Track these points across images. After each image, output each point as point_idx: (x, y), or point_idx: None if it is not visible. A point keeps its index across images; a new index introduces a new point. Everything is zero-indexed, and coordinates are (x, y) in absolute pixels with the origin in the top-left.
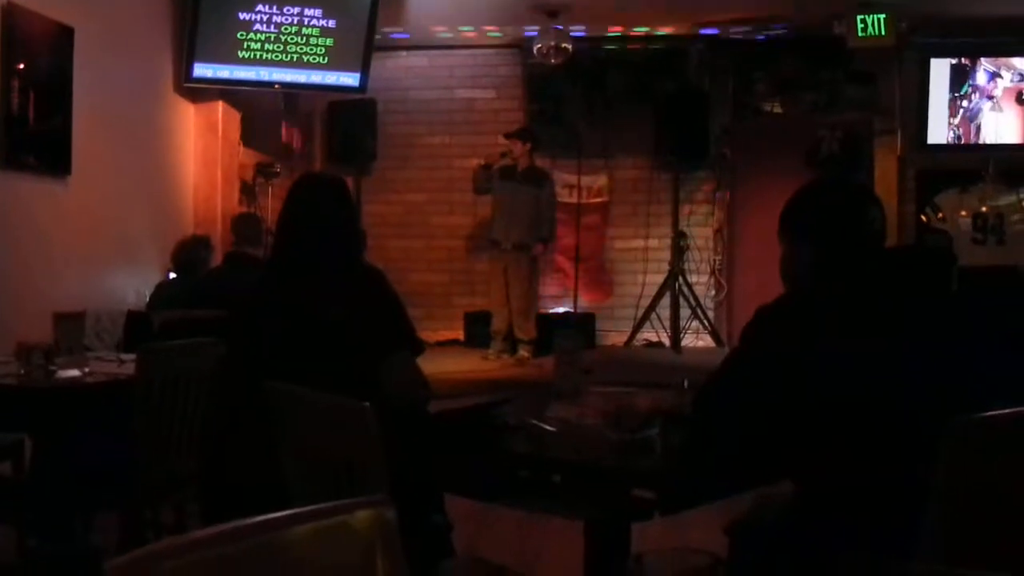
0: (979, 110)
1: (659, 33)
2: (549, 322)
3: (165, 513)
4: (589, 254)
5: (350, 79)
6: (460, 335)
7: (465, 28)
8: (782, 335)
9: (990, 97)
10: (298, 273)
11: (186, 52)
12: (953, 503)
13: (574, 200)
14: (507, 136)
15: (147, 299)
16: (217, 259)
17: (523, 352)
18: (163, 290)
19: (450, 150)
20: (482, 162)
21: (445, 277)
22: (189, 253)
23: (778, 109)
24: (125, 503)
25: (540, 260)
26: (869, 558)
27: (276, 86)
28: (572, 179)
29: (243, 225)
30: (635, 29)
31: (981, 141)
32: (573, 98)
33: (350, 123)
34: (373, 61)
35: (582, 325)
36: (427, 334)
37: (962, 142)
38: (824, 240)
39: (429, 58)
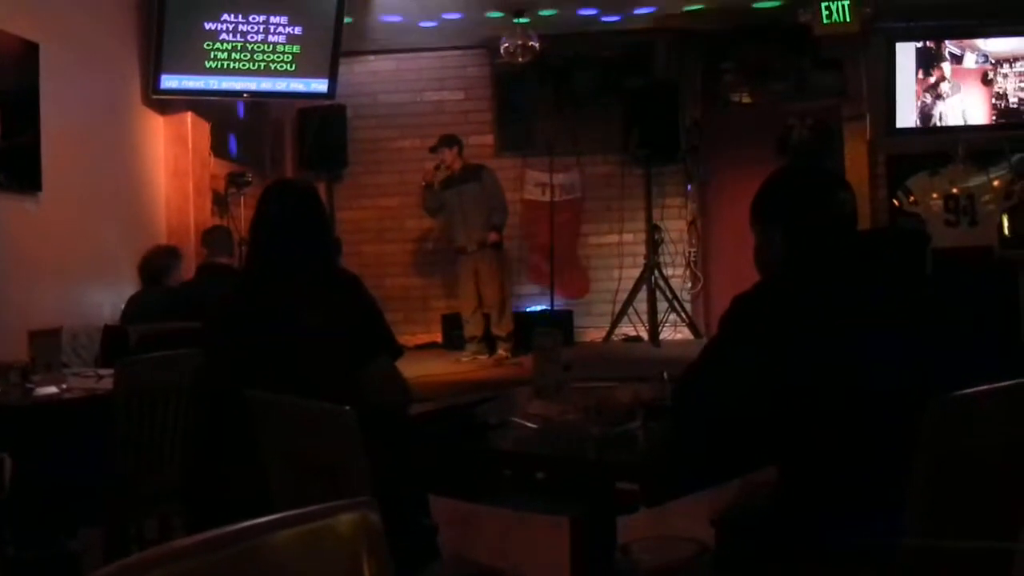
0: (945, 93)
1: (626, 29)
2: (527, 320)
3: (149, 526)
4: (564, 251)
5: (319, 85)
6: (438, 338)
7: (427, 23)
8: (759, 322)
9: (955, 79)
10: (273, 281)
11: (153, 64)
12: (934, 481)
13: (547, 198)
14: (433, 150)
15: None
16: (190, 271)
17: (501, 351)
18: (135, 303)
19: (421, 153)
20: (423, 183)
21: (421, 280)
22: (156, 263)
23: (747, 99)
24: (108, 518)
25: (507, 254)
26: (856, 542)
27: (244, 95)
28: (544, 177)
29: (214, 236)
30: (603, 19)
31: (949, 123)
32: (542, 97)
33: (321, 130)
34: (341, 67)
35: (560, 322)
36: (405, 338)
37: (930, 125)
38: (795, 225)
39: (397, 61)
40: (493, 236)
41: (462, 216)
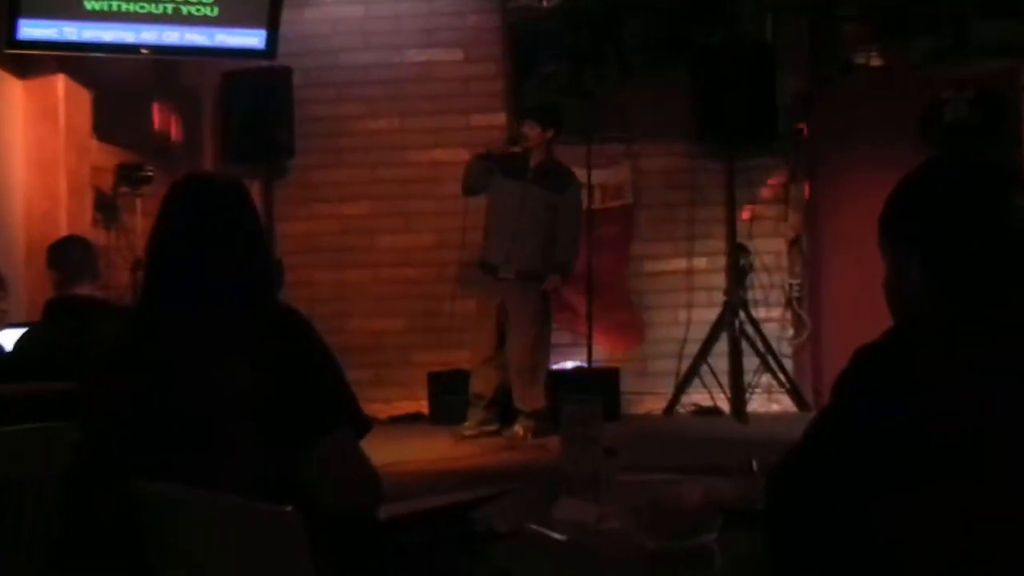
0: None
1: None
2: (553, 383)
3: None
4: (608, 281)
5: (251, 39)
6: (423, 406)
7: None
8: (893, 390)
9: None
10: (180, 321)
11: (7, 4)
12: None
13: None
14: (521, 116)
15: None
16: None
17: (519, 428)
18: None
19: (402, 138)
20: (480, 151)
21: (400, 323)
22: (75, 256)
23: (877, 61)
24: None
25: (553, 298)
26: None
27: (143, 51)
28: (579, 174)
29: (66, 255)
30: None
31: None
32: (575, 57)
33: (254, 103)
34: (286, 12)
35: (601, 386)
36: (376, 406)
37: None
38: (945, 247)
39: (365, 5)
40: (553, 282)
41: (515, 226)
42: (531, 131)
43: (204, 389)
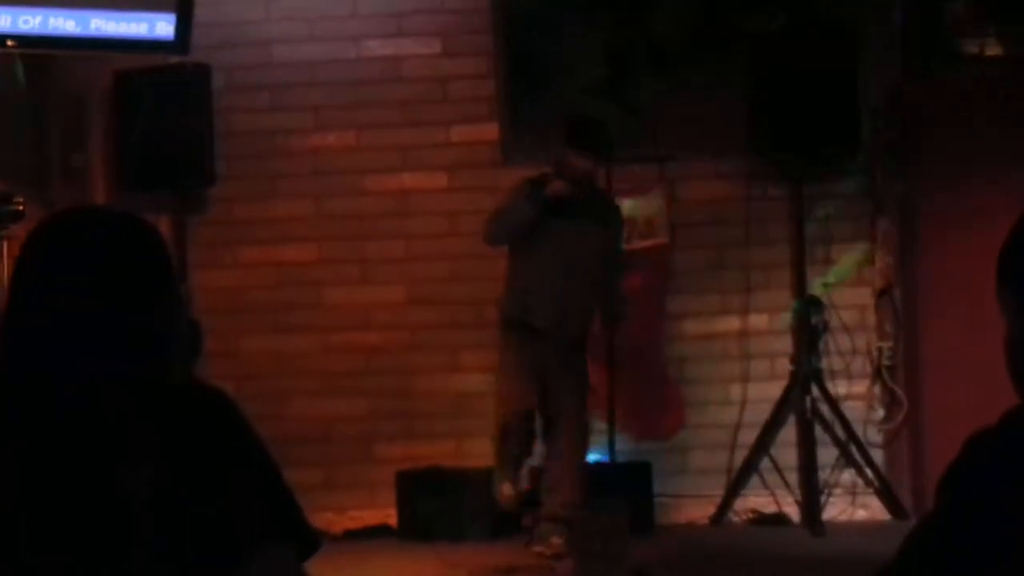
0: None
1: None
2: None
3: None
4: (636, 347)
5: (159, 26)
6: (390, 516)
7: None
8: (1015, 487)
9: None
10: (60, 403)
11: None
12: None
13: None
14: (568, 143)
15: None
16: None
17: (555, 541)
18: None
19: (359, 159)
20: (532, 176)
21: (359, 406)
22: None
23: (995, 50)
24: None
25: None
26: None
27: (9, 42)
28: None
29: None
30: None
31: None
32: (589, 51)
33: (159, 114)
34: None
35: (628, 486)
36: (326, 517)
37: None
38: None
39: None
40: (609, 332)
41: (565, 279)
42: (581, 162)
43: (89, 494)
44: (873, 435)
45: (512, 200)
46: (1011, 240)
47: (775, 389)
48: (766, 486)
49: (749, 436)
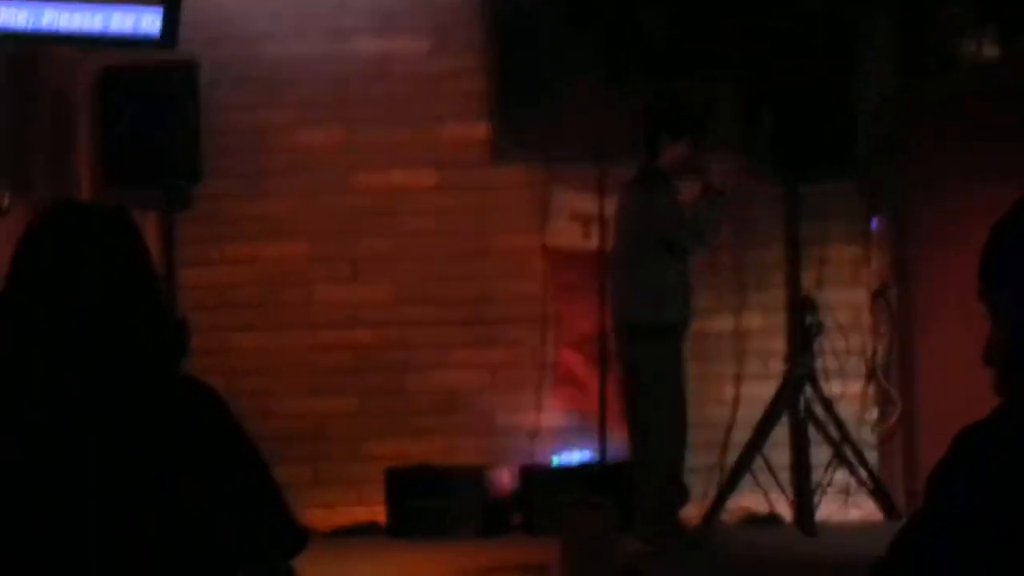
0: None
1: None
2: (550, 482)
3: None
4: None
5: (146, 21)
6: (379, 513)
7: None
8: (1006, 486)
9: None
10: (42, 401)
11: None
12: None
13: (592, 244)
14: (687, 133)
15: None
16: None
17: None
18: None
19: (348, 156)
20: (710, 181)
21: (348, 403)
22: None
23: (991, 51)
24: None
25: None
26: None
27: None
28: (587, 205)
29: None
30: None
31: None
32: (582, 50)
33: (146, 109)
34: None
35: (617, 485)
36: (315, 514)
37: None
38: None
39: None
40: None
41: (682, 270)
42: (685, 152)
43: (74, 497)
44: (867, 435)
45: (664, 198)
46: (989, 241)
47: (768, 389)
48: (759, 486)
49: (742, 436)
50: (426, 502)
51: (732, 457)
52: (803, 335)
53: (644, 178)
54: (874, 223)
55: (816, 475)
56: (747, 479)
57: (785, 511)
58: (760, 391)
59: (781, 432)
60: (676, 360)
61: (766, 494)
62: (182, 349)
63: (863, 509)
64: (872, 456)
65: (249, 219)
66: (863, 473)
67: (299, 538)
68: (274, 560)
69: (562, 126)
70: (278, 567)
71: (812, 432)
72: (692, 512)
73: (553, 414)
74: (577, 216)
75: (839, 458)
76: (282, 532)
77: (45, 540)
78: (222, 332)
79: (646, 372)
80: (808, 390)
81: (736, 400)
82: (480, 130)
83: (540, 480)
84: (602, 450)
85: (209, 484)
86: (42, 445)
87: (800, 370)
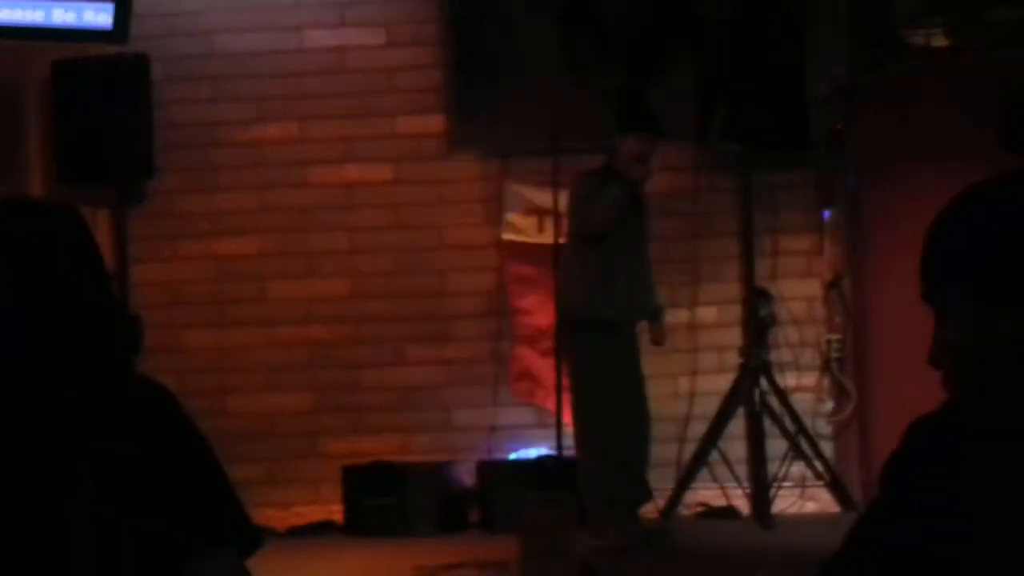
0: None
1: None
2: (504, 476)
3: None
4: None
5: (95, 15)
6: (336, 512)
7: None
8: (958, 477)
9: None
10: None
11: None
12: None
13: (547, 238)
14: (631, 127)
15: None
16: None
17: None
18: None
19: (302, 151)
20: (593, 167)
21: (303, 400)
22: None
23: (942, 41)
24: None
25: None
26: None
27: None
28: (542, 197)
29: None
30: None
31: None
32: (538, 38)
33: (97, 104)
34: None
35: (575, 480)
36: (270, 513)
37: None
38: (1011, 294)
39: None
40: (659, 335)
41: (640, 263)
42: (644, 145)
43: (25, 496)
44: (822, 427)
45: (596, 191)
46: (929, 234)
47: (724, 382)
48: (715, 479)
49: (698, 429)
50: (383, 499)
51: (689, 451)
52: (757, 327)
53: (592, 172)
54: (826, 214)
55: (772, 468)
56: (704, 472)
57: (742, 504)
58: (716, 384)
59: (737, 425)
60: (615, 355)
61: (723, 487)
62: (134, 347)
63: (819, 501)
64: (828, 448)
65: (202, 215)
66: (819, 466)
67: (253, 536)
68: (225, 556)
69: (517, 120)
70: (229, 563)
71: (768, 425)
72: (650, 506)
73: (511, 411)
74: (532, 210)
75: (795, 451)
76: (235, 529)
77: None
78: (175, 329)
79: (581, 366)
80: (763, 383)
81: (692, 394)
82: (435, 124)
83: (498, 476)
84: (559, 445)
85: (159, 482)
86: None
87: (754, 363)
